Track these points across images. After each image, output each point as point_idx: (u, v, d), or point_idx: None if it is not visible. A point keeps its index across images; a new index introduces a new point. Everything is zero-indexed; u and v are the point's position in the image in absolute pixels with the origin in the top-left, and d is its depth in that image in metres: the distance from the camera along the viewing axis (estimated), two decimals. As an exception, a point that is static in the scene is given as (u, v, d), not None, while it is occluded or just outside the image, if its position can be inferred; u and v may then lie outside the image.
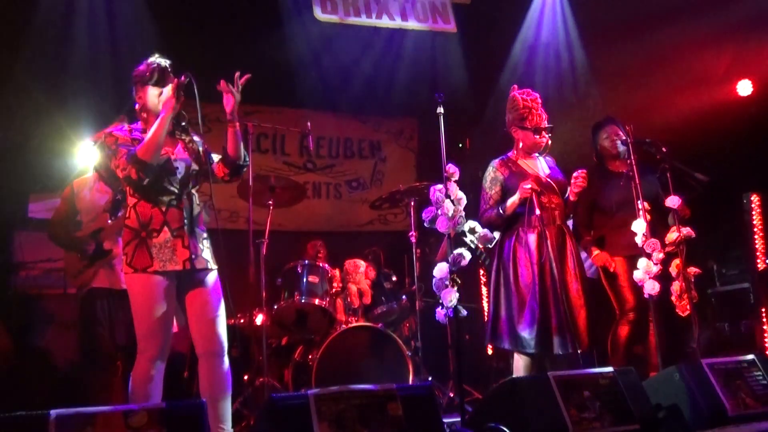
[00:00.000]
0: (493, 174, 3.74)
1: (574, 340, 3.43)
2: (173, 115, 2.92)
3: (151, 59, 3.04)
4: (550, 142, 3.79)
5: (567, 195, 3.66)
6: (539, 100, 3.77)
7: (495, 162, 3.79)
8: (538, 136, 3.70)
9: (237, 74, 3.07)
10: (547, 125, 3.71)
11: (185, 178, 3.00)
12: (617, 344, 3.95)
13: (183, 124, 3.09)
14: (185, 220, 2.95)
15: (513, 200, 3.58)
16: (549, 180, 3.67)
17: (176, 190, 2.96)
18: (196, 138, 3.13)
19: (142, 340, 2.89)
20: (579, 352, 3.48)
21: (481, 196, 3.76)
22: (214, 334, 2.95)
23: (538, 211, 3.47)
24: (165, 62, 3.04)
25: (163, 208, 2.92)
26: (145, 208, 2.92)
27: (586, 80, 6.15)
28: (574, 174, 3.58)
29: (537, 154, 3.79)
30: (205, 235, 3.07)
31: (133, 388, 2.86)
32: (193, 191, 3.07)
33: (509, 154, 3.81)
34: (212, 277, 3.03)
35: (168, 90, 2.92)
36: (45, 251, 4.90)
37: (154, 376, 2.87)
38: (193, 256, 2.93)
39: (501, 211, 3.62)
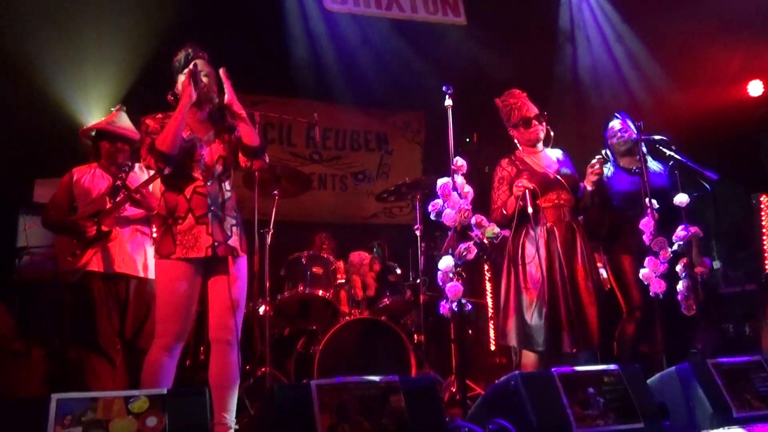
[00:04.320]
0: (500, 173, 3.75)
1: (583, 338, 3.43)
2: (191, 103, 2.92)
3: (183, 48, 3.05)
4: (551, 132, 3.79)
5: (583, 185, 3.65)
6: (522, 96, 3.79)
7: (503, 161, 3.80)
8: (528, 128, 3.72)
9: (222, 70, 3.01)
10: (533, 114, 3.72)
11: (211, 166, 2.99)
12: (624, 342, 3.92)
13: (222, 111, 3.09)
14: (210, 207, 2.93)
15: (511, 200, 3.60)
16: (557, 176, 3.66)
17: (201, 177, 2.95)
18: (230, 123, 3.14)
19: (159, 325, 2.89)
20: (588, 350, 3.48)
21: (491, 196, 3.75)
22: (228, 322, 2.94)
23: (530, 210, 3.47)
24: (189, 50, 3.04)
25: (188, 195, 2.92)
26: (172, 196, 2.93)
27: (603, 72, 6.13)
28: (591, 162, 3.59)
29: (544, 148, 3.79)
30: (234, 221, 3.03)
31: (145, 373, 2.86)
32: (223, 178, 3.04)
33: (516, 152, 3.82)
34: (237, 265, 2.99)
35: (183, 79, 2.94)
36: (49, 236, 4.90)
37: (167, 363, 2.87)
38: (216, 243, 2.90)
39: (504, 212, 3.63)
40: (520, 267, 3.58)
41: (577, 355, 3.44)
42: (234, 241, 3.00)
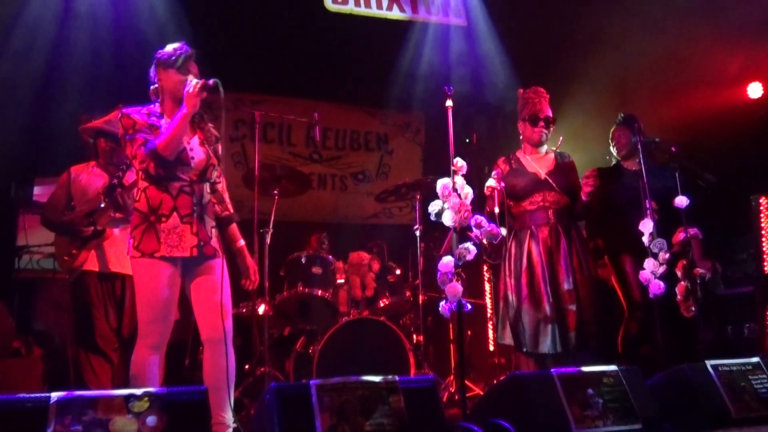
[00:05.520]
0: (496, 171, 3.76)
1: (562, 340, 3.46)
2: (194, 112, 2.90)
3: (179, 44, 3.01)
4: (560, 138, 3.79)
5: (579, 195, 3.65)
6: (544, 94, 3.80)
7: (500, 159, 3.85)
8: (534, 126, 3.74)
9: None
10: (542, 115, 3.72)
11: (199, 169, 2.98)
12: (625, 343, 3.94)
13: (202, 115, 3.07)
14: (195, 207, 2.93)
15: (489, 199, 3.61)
16: (547, 177, 3.67)
17: (188, 179, 2.95)
18: (213, 131, 3.13)
19: (144, 325, 2.88)
20: (567, 351, 3.48)
21: None
22: (217, 321, 2.92)
23: (496, 210, 3.48)
24: (191, 50, 3.01)
25: (174, 194, 2.91)
26: (156, 193, 2.91)
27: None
28: (585, 174, 3.60)
29: (546, 150, 3.79)
30: (213, 224, 3.05)
31: (132, 374, 2.86)
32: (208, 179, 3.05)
33: (518, 150, 3.83)
34: (219, 265, 2.99)
35: (192, 87, 2.86)
36: (49, 235, 4.89)
37: (153, 363, 2.86)
38: (202, 243, 2.92)
39: (488, 209, 3.64)
40: (508, 269, 3.66)
41: (576, 355, 3.45)
42: (214, 243, 3.02)
